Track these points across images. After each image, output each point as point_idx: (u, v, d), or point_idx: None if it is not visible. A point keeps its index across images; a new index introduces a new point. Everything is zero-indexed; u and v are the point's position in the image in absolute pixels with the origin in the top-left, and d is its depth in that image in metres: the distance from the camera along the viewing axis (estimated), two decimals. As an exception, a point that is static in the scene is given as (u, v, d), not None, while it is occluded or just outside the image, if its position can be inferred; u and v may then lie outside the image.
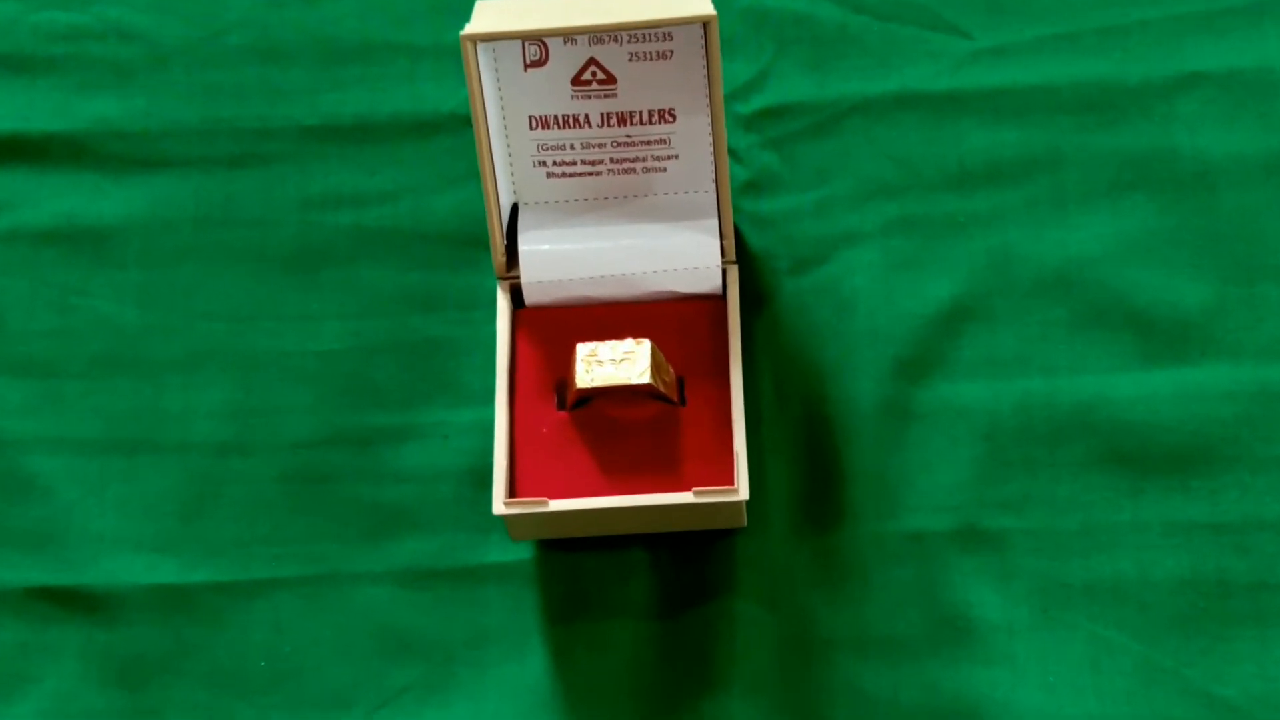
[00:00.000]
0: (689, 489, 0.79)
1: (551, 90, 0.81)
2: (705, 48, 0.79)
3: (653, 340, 0.80)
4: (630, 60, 0.81)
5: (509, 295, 0.83)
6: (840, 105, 0.88)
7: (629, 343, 0.79)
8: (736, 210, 0.86)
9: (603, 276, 0.83)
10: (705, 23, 0.78)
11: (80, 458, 0.84)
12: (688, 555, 0.82)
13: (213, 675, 0.81)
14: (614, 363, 0.79)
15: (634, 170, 0.83)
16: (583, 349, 0.79)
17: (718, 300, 0.83)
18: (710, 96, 0.80)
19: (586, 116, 0.82)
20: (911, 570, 0.81)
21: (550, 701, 0.80)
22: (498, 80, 0.81)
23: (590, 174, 0.83)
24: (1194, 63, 0.87)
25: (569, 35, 0.80)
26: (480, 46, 0.79)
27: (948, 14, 0.89)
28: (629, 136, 0.82)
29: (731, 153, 0.87)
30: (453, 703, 0.80)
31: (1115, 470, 0.82)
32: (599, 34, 0.80)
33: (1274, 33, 0.88)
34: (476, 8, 0.79)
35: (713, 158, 0.82)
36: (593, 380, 0.79)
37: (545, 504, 0.79)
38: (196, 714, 0.80)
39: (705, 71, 0.80)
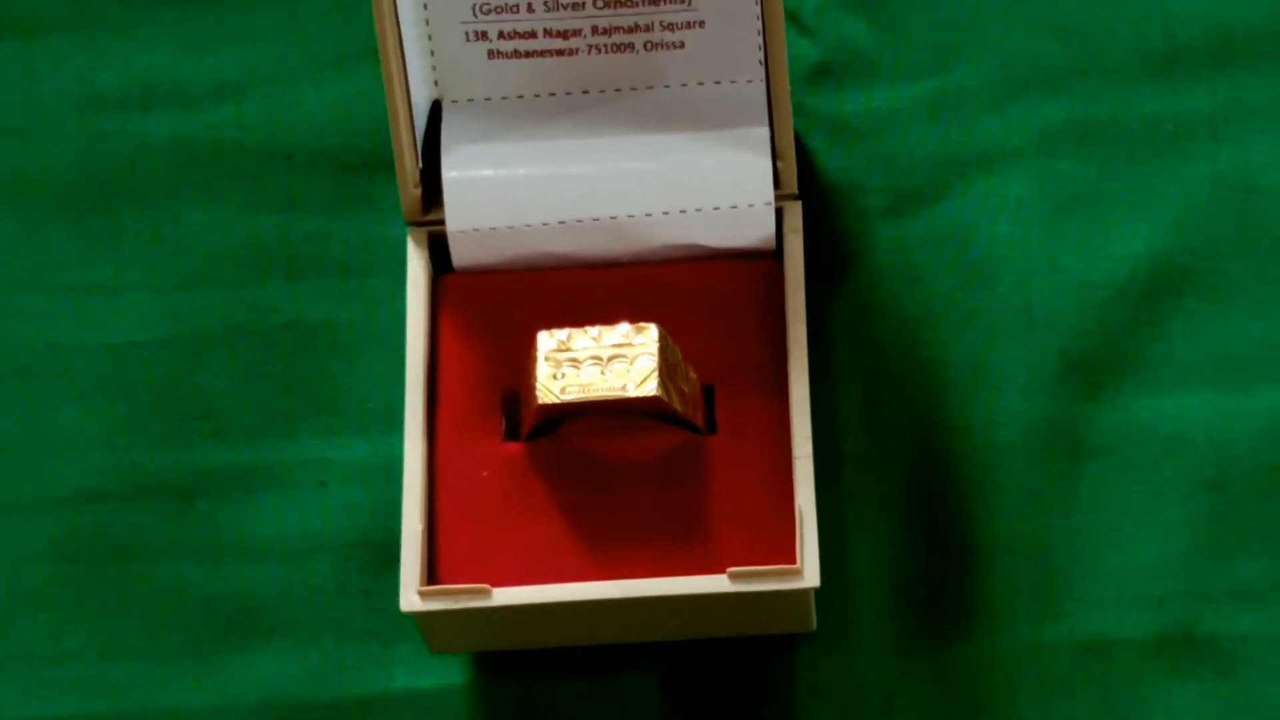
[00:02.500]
0: (722, 569, 0.76)
1: None
2: None
3: (663, 327, 0.76)
4: None
5: (427, 252, 0.80)
6: None
7: (623, 330, 0.76)
8: (802, 112, 0.84)
9: (580, 222, 0.80)
10: None
11: None
12: (722, 680, 0.79)
13: None
14: (598, 363, 0.76)
15: (631, 47, 0.80)
16: (547, 340, 0.76)
17: (770, 260, 0.80)
18: None
19: None
20: (1088, 703, 0.78)
21: None
22: None
23: (559, 52, 0.81)
24: None
25: None
26: None
27: None
28: None
29: (791, 16, 0.84)
30: None
31: None
32: None
33: None
34: None
35: (760, 25, 0.79)
36: (564, 392, 0.75)
37: (487, 594, 0.76)
38: None
39: None
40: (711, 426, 0.78)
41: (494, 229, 0.80)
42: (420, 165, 0.80)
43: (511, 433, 0.78)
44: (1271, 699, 0.79)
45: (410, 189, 0.80)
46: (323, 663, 0.80)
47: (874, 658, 0.79)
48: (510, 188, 0.80)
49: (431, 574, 0.76)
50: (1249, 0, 0.86)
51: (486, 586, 0.75)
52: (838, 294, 0.83)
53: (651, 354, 0.76)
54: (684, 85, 0.81)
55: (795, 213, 0.80)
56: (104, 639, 0.80)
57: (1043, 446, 0.81)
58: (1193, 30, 0.85)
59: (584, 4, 0.80)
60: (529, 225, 0.80)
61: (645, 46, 0.80)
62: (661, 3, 0.80)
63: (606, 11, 0.80)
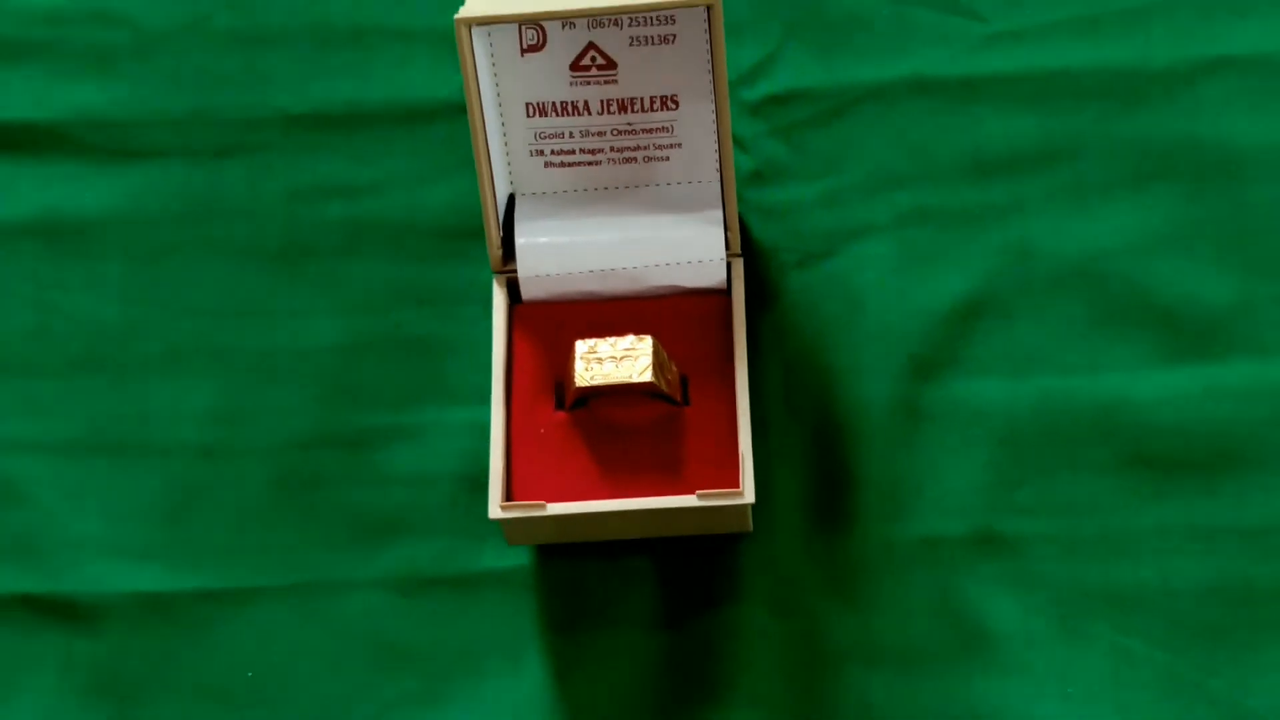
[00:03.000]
0: (693, 492, 0.80)
1: (549, 76, 0.81)
2: (709, 31, 0.80)
3: (655, 337, 0.81)
4: (631, 45, 0.81)
5: (505, 290, 0.84)
6: (850, 92, 0.89)
7: (630, 340, 0.80)
8: (742, 201, 0.87)
9: (603, 270, 0.83)
10: (709, 5, 0.78)
11: (61, 461, 0.85)
12: (691, 562, 0.83)
13: (198, 687, 0.82)
14: (614, 360, 0.79)
15: (635, 159, 0.84)
16: (581, 346, 0.79)
17: (722, 295, 0.84)
18: (714, 82, 0.80)
19: (585, 103, 0.82)
20: (924, 577, 0.82)
21: (548, 716, 0.81)
22: (493, 66, 0.81)
23: (589, 163, 0.84)
24: (1221, 46, 0.88)
25: (567, 19, 0.80)
26: (475, 31, 0.80)
27: (964, -4, 0.89)
28: (629, 124, 0.83)
29: (736, 141, 0.88)
30: (447, 717, 0.81)
31: (1137, 473, 0.82)
32: (598, 17, 0.80)
33: (1302, 15, 0.90)
34: (472, -10, 0.81)
35: (716, 146, 0.83)
36: (592, 379, 0.79)
37: (543, 507, 0.79)
38: (182, 727, 0.82)
39: (709, 56, 0.81)
40: (686, 401, 0.81)
41: (549, 275, 0.83)
42: (501, 234, 0.83)
43: (559, 405, 0.82)
44: (1042, 573, 0.81)
45: (495, 250, 0.83)
46: (440, 551, 0.83)
47: (787, 547, 0.82)
48: (559, 249, 0.83)
49: (508, 494, 0.80)
50: (1030, 133, 0.87)
51: (543, 503, 0.79)
52: (765, 317, 0.85)
53: (648, 354, 0.79)
54: (669, 184, 0.84)
55: (739, 266, 0.83)
56: (298, 536, 0.84)
57: (896, 414, 0.84)
58: (992, 151, 0.87)
59: (605, 133, 0.83)
60: (571, 273, 0.83)
61: (644, 159, 0.83)
62: (654, 132, 0.83)
63: (619, 138, 0.83)
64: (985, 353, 0.85)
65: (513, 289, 0.84)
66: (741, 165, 0.87)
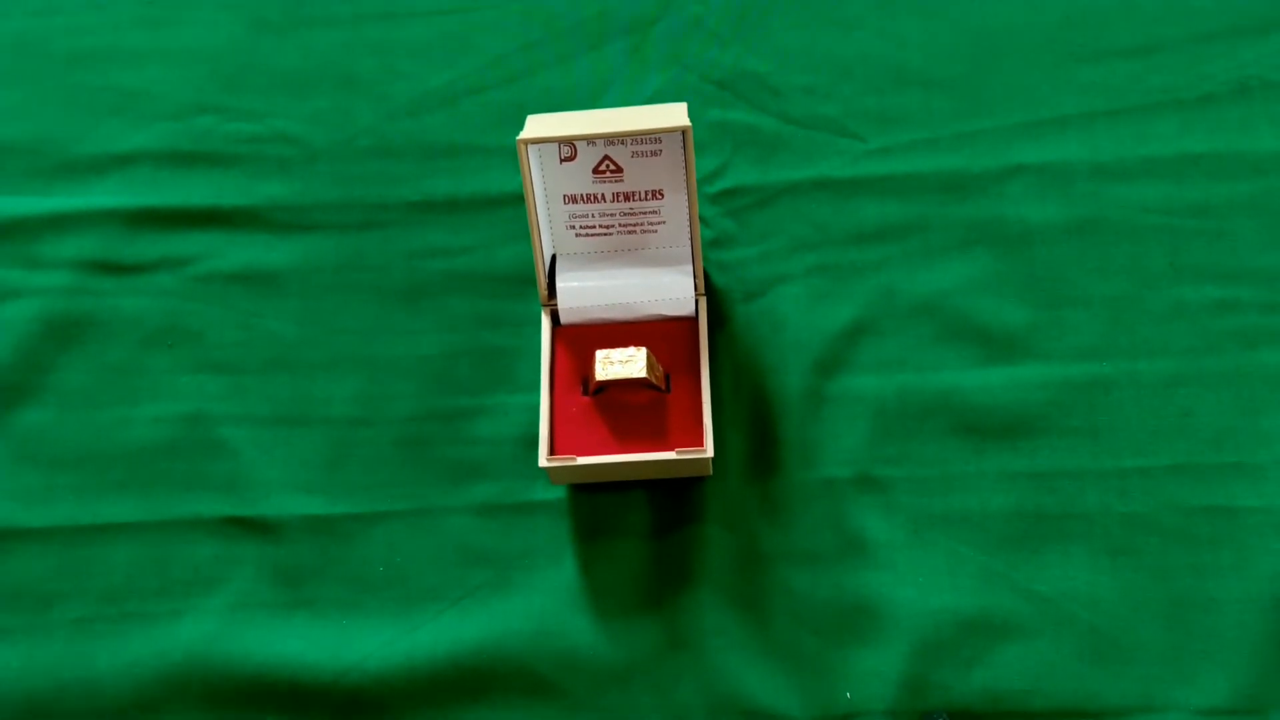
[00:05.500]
0: (673, 449, 0.79)
1: (578, 177, 0.81)
2: (684, 148, 0.79)
3: (648, 347, 0.81)
4: (632, 156, 0.81)
5: (550, 317, 0.83)
6: (776, 187, 0.87)
7: (631, 349, 0.79)
8: (705, 259, 0.86)
9: (613, 304, 0.82)
10: (684, 131, 0.78)
11: (257, 428, 0.83)
12: (672, 494, 0.82)
13: (347, 577, 0.81)
14: (621, 363, 0.79)
15: (634, 231, 0.83)
16: (600, 354, 0.79)
17: (692, 320, 0.83)
18: (688, 181, 0.80)
19: (603, 194, 0.81)
20: (824, 505, 0.81)
21: (579, 596, 0.80)
22: (542, 170, 0.81)
23: (605, 234, 0.83)
24: (1018, 158, 0.87)
25: (590, 139, 0.80)
26: (530, 147, 0.79)
27: (850, 124, 0.88)
28: (631, 209, 0.82)
29: (702, 219, 0.87)
30: (511, 596, 0.80)
31: (964, 437, 0.81)
32: (610, 139, 0.80)
33: (1074, 138, 0.87)
34: (528, 120, 0.79)
35: (689, 223, 0.82)
36: (607, 375, 0.79)
37: (574, 460, 0.79)
38: (337, 604, 0.80)
39: (684, 164, 0.80)
40: (668, 389, 0.80)
41: (578, 307, 0.82)
42: (547, 281, 0.82)
43: (585, 392, 0.80)
44: (902, 503, 0.80)
45: (543, 291, 0.82)
46: (505, 488, 0.81)
47: (735, 485, 0.81)
48: (585, 290, 0.82)
49: (551, 451, 0.79)
50: (894, 214, 0.85)
51: (574, 456, 0.78)
52: (720, 334, 0.84)
53: (643, 359, 0.78)
54: (657, 248, 0.82)
55: (703, 301, 0.82)
56: (413, 478, 0.81)
57: (806, 398, 0.82)
58: (869, 226, 0.85)
59: (615, 215, 0.81)
60: (593, 305, 0.82)
61: (640, 231, 0.82)
62: (647, 214, 0.81)
63: (624, 218, 0.82)
64: (864, 358, 0.83)
65: (555, 316, 0.82)
66: (705, 235, 0.86)
